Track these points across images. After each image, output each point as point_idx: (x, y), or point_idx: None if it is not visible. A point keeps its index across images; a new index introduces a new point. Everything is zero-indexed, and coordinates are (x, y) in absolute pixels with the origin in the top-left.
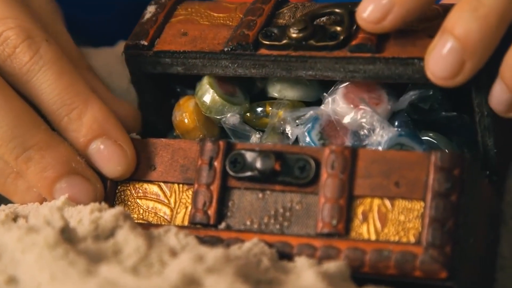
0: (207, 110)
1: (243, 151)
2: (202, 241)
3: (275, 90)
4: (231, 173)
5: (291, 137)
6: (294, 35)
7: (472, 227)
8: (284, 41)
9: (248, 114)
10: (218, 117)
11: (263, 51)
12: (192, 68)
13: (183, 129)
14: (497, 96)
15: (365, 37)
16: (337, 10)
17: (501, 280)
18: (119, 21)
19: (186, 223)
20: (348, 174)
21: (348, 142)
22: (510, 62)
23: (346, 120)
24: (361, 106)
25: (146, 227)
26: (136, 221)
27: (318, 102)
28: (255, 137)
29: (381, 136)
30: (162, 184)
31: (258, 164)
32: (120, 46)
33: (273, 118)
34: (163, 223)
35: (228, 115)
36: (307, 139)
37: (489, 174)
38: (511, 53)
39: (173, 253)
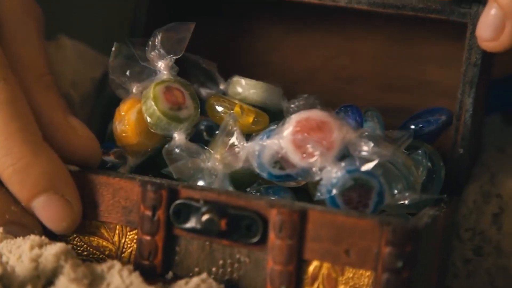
0: (151, 126)
1: (187, 202)
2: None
3: (238, 89)
4: (175, 224)
5: (241, 156)
6: None
7: (425, 277)
8: None
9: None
10: (164, 133)
11: None
12: None
13: (124, 142)
14: (487, 19)
15: None
16: None
17: (454, 287)
18: None
19: (131, 264)
20: (297, 238)
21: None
22: None
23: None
24: (309, 151)
25: (89, 264)
26: (78, 257)
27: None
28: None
29: (333, 176)
30: (104, 223)
31: (203, 224)
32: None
33: (223, 132)
34: (107, 259)
35: (175, 134)
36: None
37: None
38: None
39: None
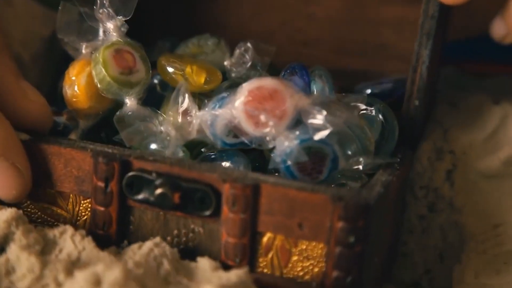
0: (102, 91)
1: (139, 174)
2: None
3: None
4: (128, 195)
5: (193, 126)
6: None
7: (377, 249)
8: None
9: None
10: (115, 97)
11: None
12: None
13: (75, 106)
14: None
15: None
16: None
17: (409, 243)
18: None
19: (86, 232)
20: (250, 212)
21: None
22: None
23: (247, 136)
24: (262, 121)
25: (41, 229)
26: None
27: None
28: (156, 121)
29: (286, 146)
30: (58, 192)
31: (156, 197)
32: None
33: (175, 99)
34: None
35: (126, 99)
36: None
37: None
38: None
39: (68, 272)
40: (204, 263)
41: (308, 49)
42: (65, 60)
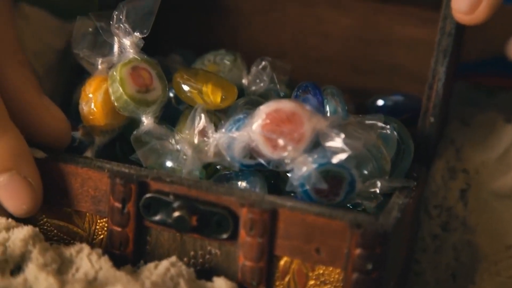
0: (119, 109)
1: (157, 196)
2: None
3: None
4: (145, 217)
5: (211, 150)
6: None
7: (393, 272)
8: None
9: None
10: (132, 115)
11: None
12: None
13: (92, 123)
14: None
15: None
16: None
17: (422, 262)
18: None
19: (103, 251)
20: (268, 236)
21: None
22: None
23: (265, 158)
24: (280, 145)
25: (57, 247)
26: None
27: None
28: (172, 140)
29: (304, 171)
30: (74, 210)
31: (174, 220)
32: None
33: (192, 121)
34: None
35: (142, 117)
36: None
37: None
38: None
39: None
40: (220, 283)
41: (320, 67)
42: (76, 72)
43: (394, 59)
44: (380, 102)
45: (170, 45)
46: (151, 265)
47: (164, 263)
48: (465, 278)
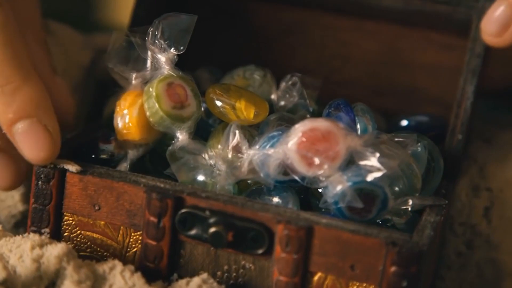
0: (153, 125)
1: (192, 211)
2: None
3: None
4: (181, 231)
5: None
6: None
7: (426, 278)
8: None
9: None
10: (166, 131)
11: None
12: None
13: (126, 138)
14: (494, 15)
15: None
16: None
17: (446, 279)
18: None
19: (136, 264)
20: (303, 252)
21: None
22: None
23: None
24: (315, 163)
25: (90, 263)
26: (81, 253)
27: None
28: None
29: (338, 189)
30: (108, 223)
31: (210, 235)
32: None
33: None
34: (110, 258)
35: (177, 133)
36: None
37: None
38: None
39: None
40: None
41: (343, 89)
42: (101, 87)
43: (415, 82)
44: (404, 122)
45: (196, 62)
46: (182, 281)
47: (196, 280)
48: None
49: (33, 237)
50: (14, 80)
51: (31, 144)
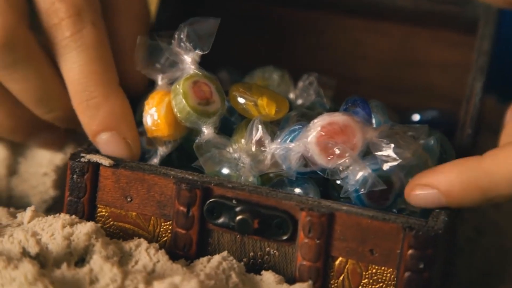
0: (181, 120)
1: (220, 200)
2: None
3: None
4: (209, 220)
5: (267, 160)
6: None
7: (439, 272)
8: None
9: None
10: (193, 126)
11: None
12: None
13: (155, 135)
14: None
15: None
16: None
17: (457, 263)
18: None
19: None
20: (325, 238)
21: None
22: None
23: (320, 167)
24: (336, 153)
25: (116, 241)
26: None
27: None
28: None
29: (359, 176)
30: (139, 214)
31: (237, 223)
32: None
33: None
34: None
35: (203, 128)
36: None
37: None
38: None
39: (148, 283)
40: (268, 277)
41: (357, 87)
42: None
43: (428, 79)
44: (417, 117)
45: (215, 64)
46: (204, 259)
47: (216, 257)
48: (496, 279)
49: (64, 217)
50: (97, 96)
51: (111, 154)
